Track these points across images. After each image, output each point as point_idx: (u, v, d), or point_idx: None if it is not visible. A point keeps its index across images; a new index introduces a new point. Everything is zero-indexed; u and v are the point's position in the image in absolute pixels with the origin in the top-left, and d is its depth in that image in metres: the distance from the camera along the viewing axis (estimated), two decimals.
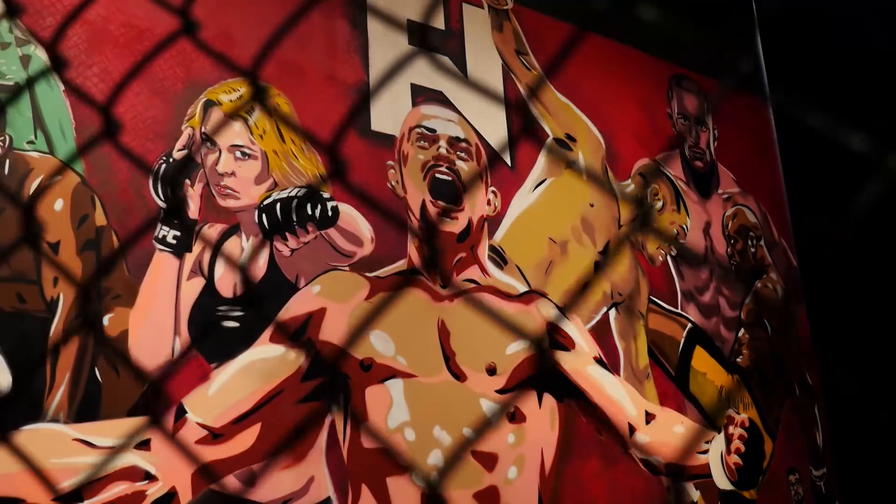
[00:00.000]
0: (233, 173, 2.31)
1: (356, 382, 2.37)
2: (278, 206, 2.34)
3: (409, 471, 2.36)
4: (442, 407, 2.48)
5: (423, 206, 2.63)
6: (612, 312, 3.01)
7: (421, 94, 2.77)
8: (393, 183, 2.63)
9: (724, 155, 3.64)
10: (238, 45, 2.44)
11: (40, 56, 2.12)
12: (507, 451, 2.57)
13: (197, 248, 2.24)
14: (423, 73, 2.78)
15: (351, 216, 2.49)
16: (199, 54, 2.37)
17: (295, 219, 2.35)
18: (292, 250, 2.36)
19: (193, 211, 2.24)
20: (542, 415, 2.69)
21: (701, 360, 3.21)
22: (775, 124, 3.85)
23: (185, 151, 2.27)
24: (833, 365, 3.59)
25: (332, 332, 2.36)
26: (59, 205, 2.05)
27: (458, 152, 2.74)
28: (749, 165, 3.72)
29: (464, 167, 2.74)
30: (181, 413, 2.10)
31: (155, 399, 2.07)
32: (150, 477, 2.01)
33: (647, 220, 3.16)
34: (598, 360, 2.90)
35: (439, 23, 2.91)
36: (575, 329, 2.87)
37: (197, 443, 2.10)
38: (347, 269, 2.46)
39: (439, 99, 2.81)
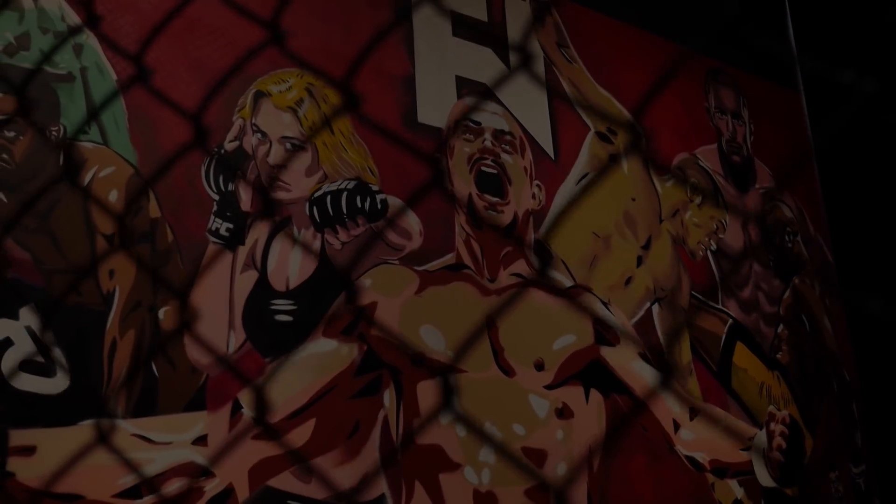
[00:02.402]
0: (283, 165, 2.27)
1: (408, 377, 2.34)
2: (329, 198, 2.30)
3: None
4: (492, 402, 2.44)
5: (470, 200, 2.60)
6: (655, 308, 2.98)
7: (465, 87, 2.74)
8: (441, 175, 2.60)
9: (760, 149, 3.61)
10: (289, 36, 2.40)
11: (93, 45, 2.09)
12: (557, 447, 2.53)
13: (249, 240, 2.20)
14: (467, 65, 2.75)
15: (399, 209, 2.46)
16: (248, 45, 2.33)
17: (345, 211, 2.31)
18: (343, 243, 2.32)
19: (246, 203, 2.20)
20: (590, 411, 2.66)
21: (742, 356, 3.18)
22: (809, 119, 3.81)
23: (236, 143, 2.23)
24: (870, 361, 3.56)
25: (384, 326, 2.33)
26: (113, 196, 2.02)
27: (502, 145, 2.71)
28: (784, 160, 3.69)
29: (508, 160, 2.71)
30: (237, 408, 2.07)
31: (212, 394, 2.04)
32: (207, 473, 1.98)
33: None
34: (643, 356, 2.87)
35: (482, 14, 2.87)
36: (619, 324, 2.83)
37: (253, 438, 2.07)
38: (397, 262, 2.43)
39: (484, 91, 2.77)
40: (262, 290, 2.18)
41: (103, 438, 1.81)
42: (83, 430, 1.86)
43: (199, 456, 1.97)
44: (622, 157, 3.06)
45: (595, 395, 2.68)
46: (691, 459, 2.83)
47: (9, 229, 1.86)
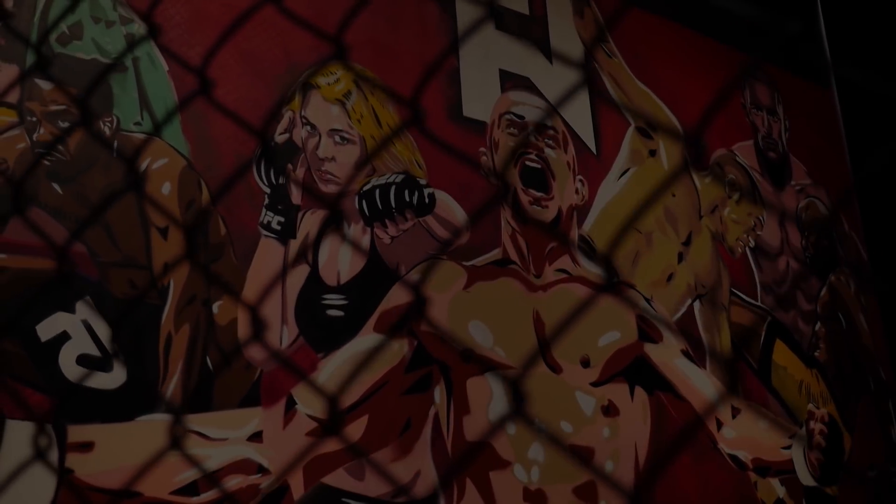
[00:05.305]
0: (333, 158, 2.24)
1: (457, 374, 2.31)
2: (377, 192, 2.27)
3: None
4: (539, 399, 2.41)
5: (515, 194, 2.57)
6: (697, 305, 2.95)
7: (509, 80, 2.70)
8: (486, 170, 2.57)
9: (795, 146, 3.58)
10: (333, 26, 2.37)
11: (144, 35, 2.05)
12: (603, 445, 2.50)
13: (301, 234, 2.17)
14: (510, 58, 2.72)
15: (447, 204, 2.43)
16: (296, 36, 2.30)
17: (394, 205, 2.28)
18: (392, 238, 2.29)
19: (296, 196, 2.17)
20: (635, 408, 2.63)
21: (781, 353, 3.14)
22: (842, 114, 3.79)
23: (286, 136, 2.20)
24: None
25: (433, 321, 2.29)
26: (166, 188, 1.99)
27: (546, 140, 2.68)
28: (819, 156, 3.66)
29: (552, 155, 2.68)
30: (291, 404, 2.03)
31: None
32: (262, 470, 1.95)
33: None
34: (685, 353, 2.83)
35: (523, 7, 2.84)
36: (662, 321, 2.80)
37: (307, 435, 2.03)
38: (445, 258, 2.39)
39: (527, 85, 2.74)
40: (314, 285, 2.15)
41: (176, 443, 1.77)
42: (141, 426, 1.83)
43: (254, 453, 1.94)
44: (661, 153, 3.03)
45: (640, 392, 2.65)
46: (734, 458, 2.80)
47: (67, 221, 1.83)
